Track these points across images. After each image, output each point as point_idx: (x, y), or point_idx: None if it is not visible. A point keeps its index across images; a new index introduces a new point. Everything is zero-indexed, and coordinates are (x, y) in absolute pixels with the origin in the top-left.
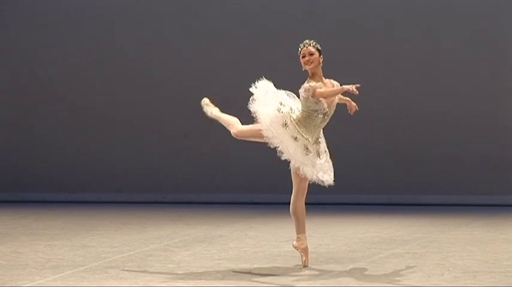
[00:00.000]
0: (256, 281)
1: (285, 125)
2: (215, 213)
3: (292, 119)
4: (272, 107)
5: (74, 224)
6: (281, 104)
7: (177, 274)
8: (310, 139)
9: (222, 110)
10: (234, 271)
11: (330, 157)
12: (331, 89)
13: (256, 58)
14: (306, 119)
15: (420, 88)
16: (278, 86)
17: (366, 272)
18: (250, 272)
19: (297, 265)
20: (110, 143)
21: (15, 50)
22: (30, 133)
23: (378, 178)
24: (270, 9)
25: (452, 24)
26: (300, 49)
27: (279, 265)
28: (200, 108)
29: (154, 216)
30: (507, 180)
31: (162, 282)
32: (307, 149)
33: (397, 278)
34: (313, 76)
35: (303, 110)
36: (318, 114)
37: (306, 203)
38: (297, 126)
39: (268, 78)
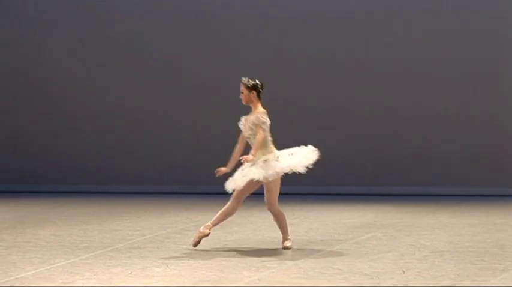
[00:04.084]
0: (257, 259)
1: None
2: (223, 202)
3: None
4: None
5: (103, 211)
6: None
7: (190, 253)
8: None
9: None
10: (239, 251)
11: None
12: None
13: (267, 60)
14: None
15: (397, 89)
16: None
17: (350, 252)
18: (252, 252)
19: (292, 246)
20: (135, 142)
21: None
22: (69, 134)
23: (360, 172)
24: (270, 15)
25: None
26: None
27: (276, 246)
28: (212, 110)
29: (171, 204)
30: (469, 173)
31: (178, 259)
32: (243, 169)
33: (376, 257)
34: (251, 108)
35: None
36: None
37: (299, 194)
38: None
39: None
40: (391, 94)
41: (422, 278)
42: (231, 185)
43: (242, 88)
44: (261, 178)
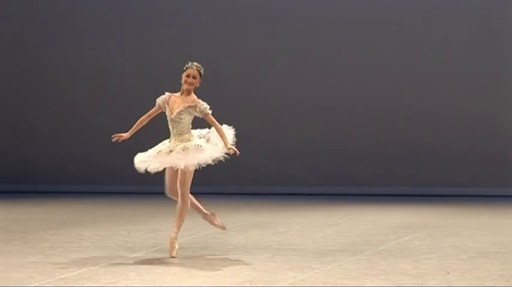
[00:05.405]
0: (302, 260)
1: (159, 151)
2: (266, 202)
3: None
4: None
5: (147, 211)
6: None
7: (234, 253)
8: (169, 145)
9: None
10: (283, 252)
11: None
12: (223, 135)
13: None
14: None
15: (435, 88)
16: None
17: (394, 252)
18: (296, 253)
19: (334, 247)
20: None
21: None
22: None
23: (403, 172)
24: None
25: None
26: (186, 67)
27: (321, 246)
28: (244, 110)
29: (214, 205)
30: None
31: (222, 260)
32: (159, 151)
33: (420, 258)
34: (187, 93)
35: None
36: (168, 120)
37: (344, 194)
38: (166, 142)
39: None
40: (433, 90)
41: (466, 278)
42: (144, 165)
43: (195, 73)
44: (181, 167)
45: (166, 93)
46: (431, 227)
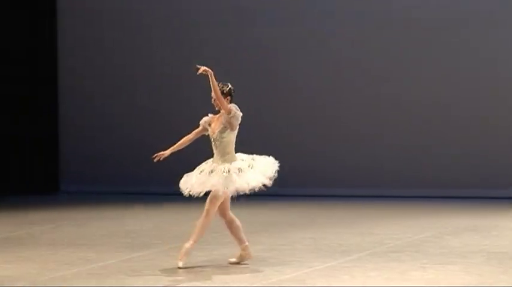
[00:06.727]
0: None
1: (202, 171)
2: (479, 206)
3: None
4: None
5: (353, 214)
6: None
7: (449, 257)
8: (213, 163)
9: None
10: (497, 255)
11: None
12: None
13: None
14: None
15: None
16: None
17: None
18: (510, 256)
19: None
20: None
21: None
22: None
23: None
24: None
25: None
26: None
27: None
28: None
29: (425, 208)
30: None
31: (436, 264)
32: (202, 171)
33: None
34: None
35: None
36: (211, 140)
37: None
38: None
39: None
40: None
41: None
42: (186, 187)
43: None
44: (220, 192)
45: (209, 115)
46: None
